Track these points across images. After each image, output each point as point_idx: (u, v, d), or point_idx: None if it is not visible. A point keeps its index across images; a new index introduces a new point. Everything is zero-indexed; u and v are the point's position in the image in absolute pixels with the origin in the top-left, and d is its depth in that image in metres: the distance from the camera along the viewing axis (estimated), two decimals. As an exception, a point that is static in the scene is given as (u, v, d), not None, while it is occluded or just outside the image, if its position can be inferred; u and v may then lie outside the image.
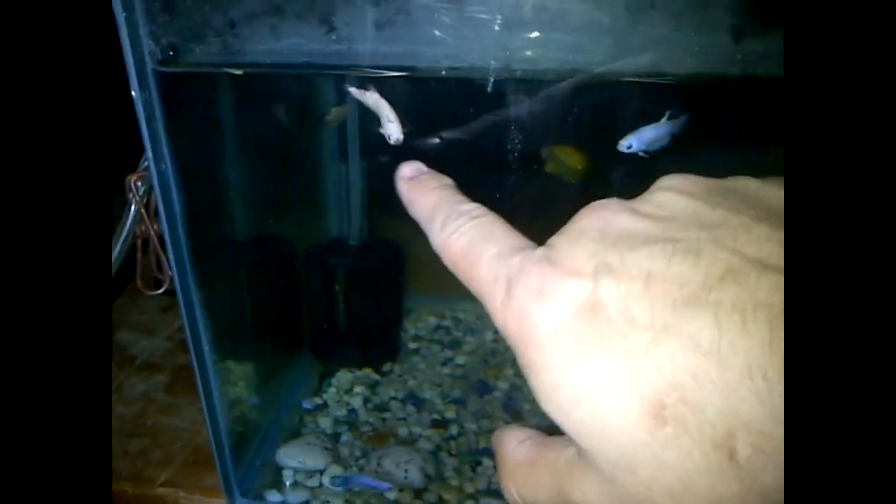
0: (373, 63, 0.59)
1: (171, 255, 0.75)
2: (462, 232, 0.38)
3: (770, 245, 0.28)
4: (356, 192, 1.12)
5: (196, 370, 0.82)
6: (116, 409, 1.09)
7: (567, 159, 1.39)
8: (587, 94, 0.70)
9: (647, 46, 0.55)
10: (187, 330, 0.80)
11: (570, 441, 0.33)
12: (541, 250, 0.34)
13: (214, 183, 0.95)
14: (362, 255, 1.14)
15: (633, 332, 0.29)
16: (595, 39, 0.54)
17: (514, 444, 0.38)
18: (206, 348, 0.81)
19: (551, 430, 0.36)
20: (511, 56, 0.57)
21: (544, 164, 1.40)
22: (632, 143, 0.74)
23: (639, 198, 0.34)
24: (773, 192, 0.33)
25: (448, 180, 0.43)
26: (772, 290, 0.27)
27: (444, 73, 0.58)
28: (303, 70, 0.60)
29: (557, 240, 0.34)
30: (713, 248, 0.29)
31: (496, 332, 1.23)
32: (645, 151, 0.74)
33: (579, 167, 1.39)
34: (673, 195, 0.33)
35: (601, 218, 0.33)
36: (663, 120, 0.74)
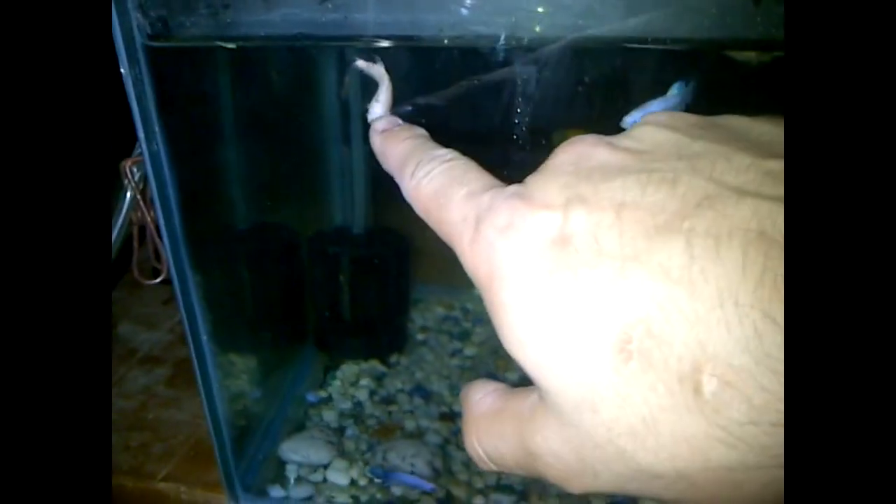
0: (372, 33, 0.56)
1: (166, 242, 0.72)
2: (433, 176, 0.36)
3: (751, 173, 0.27)
4: (359, 178, 1.09)
5: (195, 362, 0.79)
6: (117, 402, 1.07)
7: None
8: (599, 64, 0.66)
9: (660, 7, 0.51)
10: (185, 320, 0.77)
11: (535, 388, 0.31)
12: (513, 187, 0.32)
13: (211, 166, 0.92)
14: (367, 243, 1.11)
15: (602, 264, 0.27)
16: (606, 2, 0.51)
17: (479, 396, 0.37)
18: (205, 339, 0.79)
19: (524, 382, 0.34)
20: (518, 24, 0.54)
21: (554, 148, 1.37)
22: (636, 118, 0.71)
23: (620, 134, 0.33)
24: (759, 127, 0.31)
25: (421, 130, 0.42)
26: (748, 215, 0.25)
27: (447, 42, 0.55)
28: (298, 42, 0.57)
29: (531, 177, 0.33)
30: (690, 176, 0.27)
31: None
32: None
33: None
34: (653, 128, 0.31)
35: (576, 152, 0.32)
36: (671, 92, 0.70)
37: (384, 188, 1.25)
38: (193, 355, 0.78)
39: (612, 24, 0.53)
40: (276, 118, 1.06)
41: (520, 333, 0.30)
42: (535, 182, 0.32)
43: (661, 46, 0.57)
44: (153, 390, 1.10)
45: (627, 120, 0.71)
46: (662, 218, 0.26)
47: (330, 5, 0.55)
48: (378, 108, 0.58)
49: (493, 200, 0.32)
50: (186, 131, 0.73)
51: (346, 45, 0.59)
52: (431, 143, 0.40)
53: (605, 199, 0.28)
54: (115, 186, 0.87)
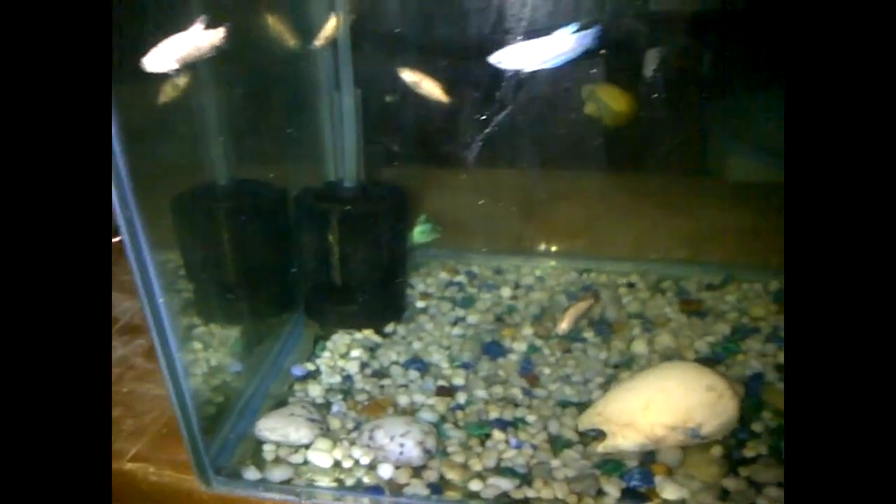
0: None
1: (114, 189, 0.62)
2: None
3: None
4: (351, 127, 0.98)
5: (152, 328, 0.69)
6: (89, 375, 0.98)
7: (610, 101, 1.23)
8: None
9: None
10: (138, 281, 0.67)
11: None
12: None
13: (179, 109, 0.82)
14: (358, 199, 1.00)
15: None
16: None
17: None
18: (161, 301, 0.69)
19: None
20: None
21: (583, 104, 1.25)
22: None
23: None
24: None
25: None
26: None
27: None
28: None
29: None
30: None
31: (516, 286, 1.08)
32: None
33: (624, 110, 1.23)
34: None
35: None
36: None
37: (379, 138, 1.15)
38: (150, 321, 0.69)
39: None
40: (257, 58, 0.95)
41: None
42: None
43: None
44: (131, 362, 1.02)
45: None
46: None
47: None
48: None
49: None
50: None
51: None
52: None
53: None
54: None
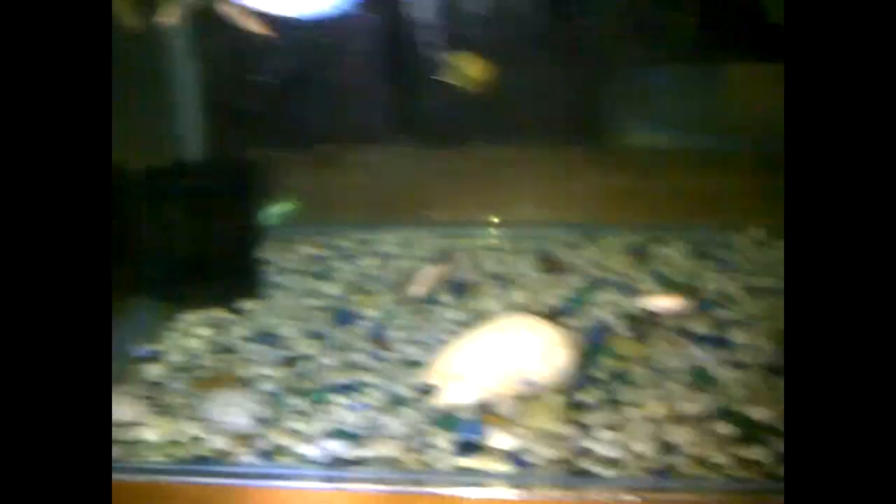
0: None
1: None
2: None
3: None
4: (193, 100, 0.96)
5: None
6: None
7: (468, 68, 1.23)
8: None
9: None
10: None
11: None
12: None
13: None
14: (204, 176, 0.98)
15: None
16: None
17: None
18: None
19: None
20: None
21: (443, 72, 1.24)
22: None
23: None
24: None
25: None
26: None
27: None
28: None
29: None
30: None
31: (378, 256, 1.06)
32: None
33: (481, 77, 1.23)
34: None
35: None
36: None
37: (227, 112, 1.13)
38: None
39: None
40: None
41: None
42: None
43: None
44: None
45: None
46: None
47: None
48: None
49: None
50: None
51: None
52: None
53: None
54: None
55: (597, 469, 0.71)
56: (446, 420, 0.77)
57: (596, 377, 0.84)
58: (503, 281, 1.04)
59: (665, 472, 0.71)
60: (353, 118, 1.26)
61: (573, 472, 0.71)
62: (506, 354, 0.79)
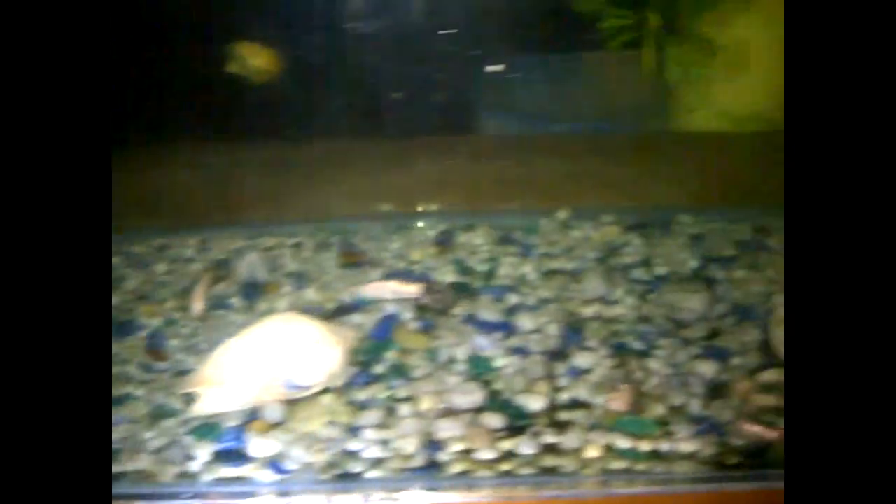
0: None
1: None
2: None
3: None
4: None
5: None
6: None
7: (251, 58, 1.19)
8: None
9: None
10: None
11: None
12: None
13: None
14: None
15: None
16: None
17: None
18: None
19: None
20: None
21: (227, 63, 1.20)
22: None
23: None
24: None
25: None
26: None
27: None
28: None
29: None
30: None
31: (172, 261, 0.99)
32: None
33: (265, 67, 1.19)
34: None
35: None
36: None
37: None
38: None
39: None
40: None
41: None
42: None
43: None
44: None
45: None
46: None
47: None
48: None
49: None
50: None
51: None
52: None
53: None
54: None
55: (358, 470, 0.69)
56: (207, 429, 0.74)
57: (378, 373, 0.81)
58: (300, 279, 1.01)
59: (429, 469, 0.70)
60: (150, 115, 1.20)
61: (336, 476, 0.69)
62: (267, 357, 0.76)
